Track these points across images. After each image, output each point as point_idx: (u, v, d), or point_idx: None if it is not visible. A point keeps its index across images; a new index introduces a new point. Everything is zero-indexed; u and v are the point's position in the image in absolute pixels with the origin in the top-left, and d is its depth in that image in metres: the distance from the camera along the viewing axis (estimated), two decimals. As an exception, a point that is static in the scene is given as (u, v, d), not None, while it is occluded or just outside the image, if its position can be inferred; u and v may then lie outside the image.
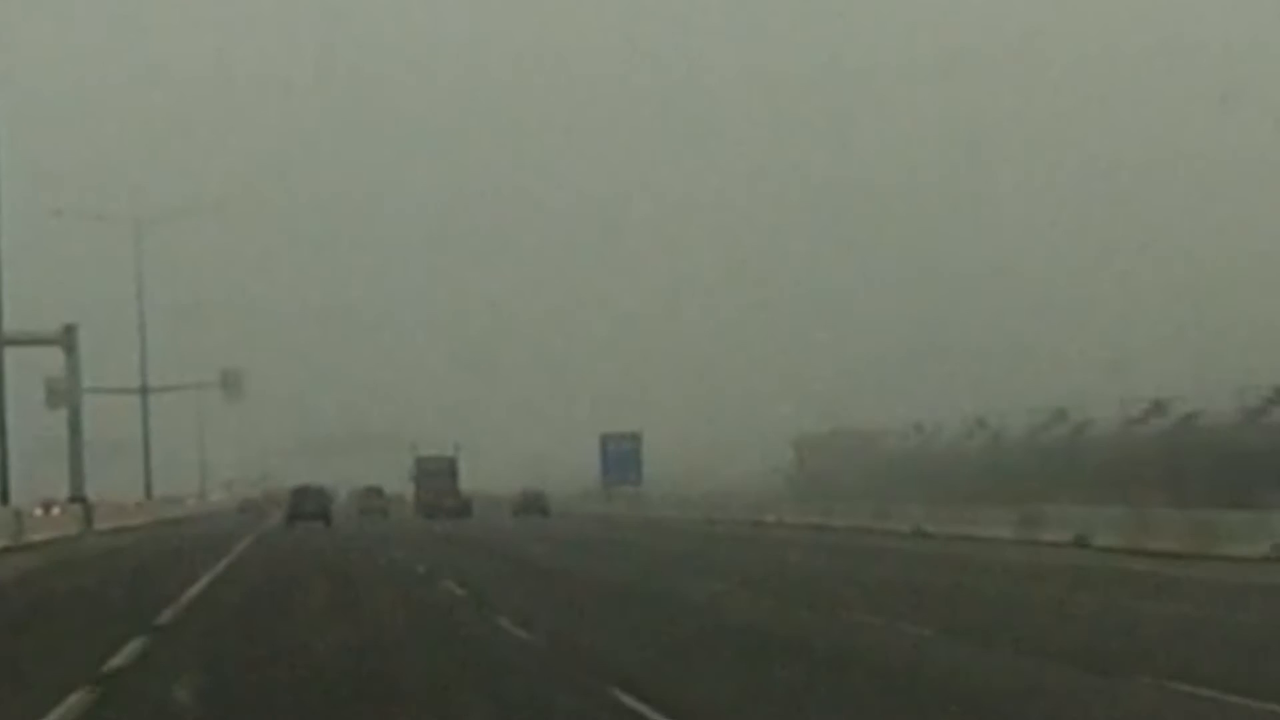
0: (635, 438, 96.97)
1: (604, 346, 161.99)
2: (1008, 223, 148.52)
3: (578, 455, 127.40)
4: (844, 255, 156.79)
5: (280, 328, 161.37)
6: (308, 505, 76.67)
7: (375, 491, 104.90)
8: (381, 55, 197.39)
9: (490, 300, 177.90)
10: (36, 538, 55.20)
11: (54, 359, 73.68)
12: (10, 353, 62.36)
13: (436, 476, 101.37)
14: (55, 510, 66.36)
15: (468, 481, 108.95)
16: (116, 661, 17.85)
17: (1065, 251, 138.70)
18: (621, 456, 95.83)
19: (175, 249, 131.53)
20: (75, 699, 14.99)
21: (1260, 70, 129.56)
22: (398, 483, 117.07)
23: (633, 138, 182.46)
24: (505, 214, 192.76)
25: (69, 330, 71.93)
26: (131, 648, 19.07)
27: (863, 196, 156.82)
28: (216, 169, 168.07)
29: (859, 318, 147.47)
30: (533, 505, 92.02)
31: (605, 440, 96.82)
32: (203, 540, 57.87)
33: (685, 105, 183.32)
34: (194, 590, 29.16)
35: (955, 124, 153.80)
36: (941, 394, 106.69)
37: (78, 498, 70.24)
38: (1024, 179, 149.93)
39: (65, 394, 72.08)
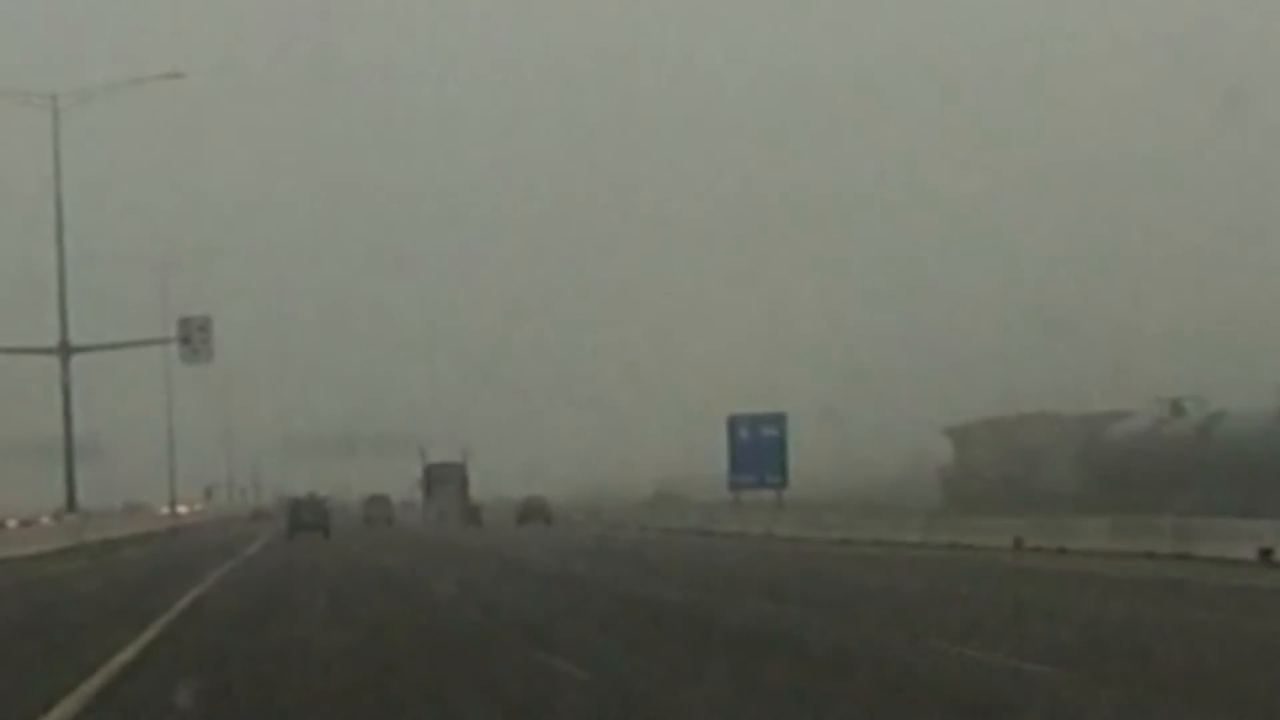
0: (779, 419, 65.82)
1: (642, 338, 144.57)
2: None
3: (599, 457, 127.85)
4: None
5: (273, 319, 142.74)
6: (307, 516, 78.69)
7: (381, 500, 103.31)
8: (390, 40, 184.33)
9: (506, 294, 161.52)
10: None
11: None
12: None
13: (447, 484, 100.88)
14: None
15: (478, 489, 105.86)
16: None
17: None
18: (758, 447, 64.91)
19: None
20: None
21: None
22: (404, 488, 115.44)
23: (648, 126, 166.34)
24: (523, 201, 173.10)
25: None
26: None
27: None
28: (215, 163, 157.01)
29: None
30: (535, 513, 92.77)
31: (734, 424, 65.87)
32: (68, 616, 28.12)
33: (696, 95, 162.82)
34: None
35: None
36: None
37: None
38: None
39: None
